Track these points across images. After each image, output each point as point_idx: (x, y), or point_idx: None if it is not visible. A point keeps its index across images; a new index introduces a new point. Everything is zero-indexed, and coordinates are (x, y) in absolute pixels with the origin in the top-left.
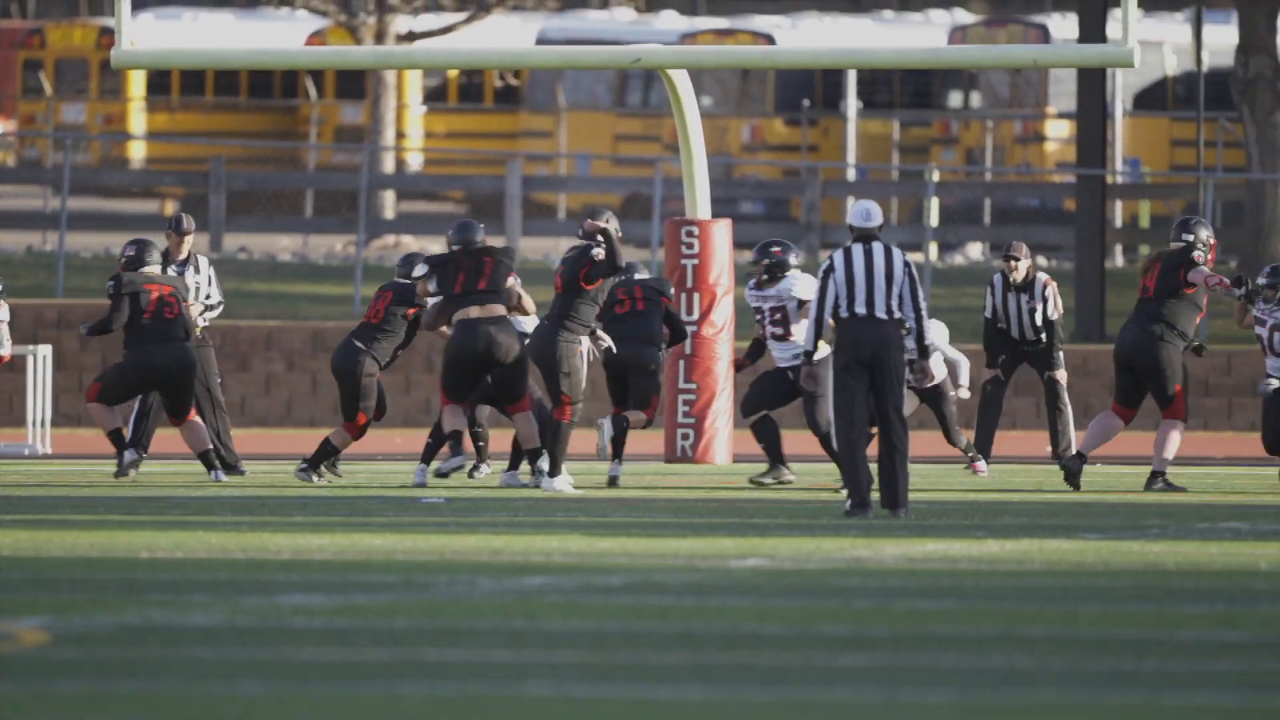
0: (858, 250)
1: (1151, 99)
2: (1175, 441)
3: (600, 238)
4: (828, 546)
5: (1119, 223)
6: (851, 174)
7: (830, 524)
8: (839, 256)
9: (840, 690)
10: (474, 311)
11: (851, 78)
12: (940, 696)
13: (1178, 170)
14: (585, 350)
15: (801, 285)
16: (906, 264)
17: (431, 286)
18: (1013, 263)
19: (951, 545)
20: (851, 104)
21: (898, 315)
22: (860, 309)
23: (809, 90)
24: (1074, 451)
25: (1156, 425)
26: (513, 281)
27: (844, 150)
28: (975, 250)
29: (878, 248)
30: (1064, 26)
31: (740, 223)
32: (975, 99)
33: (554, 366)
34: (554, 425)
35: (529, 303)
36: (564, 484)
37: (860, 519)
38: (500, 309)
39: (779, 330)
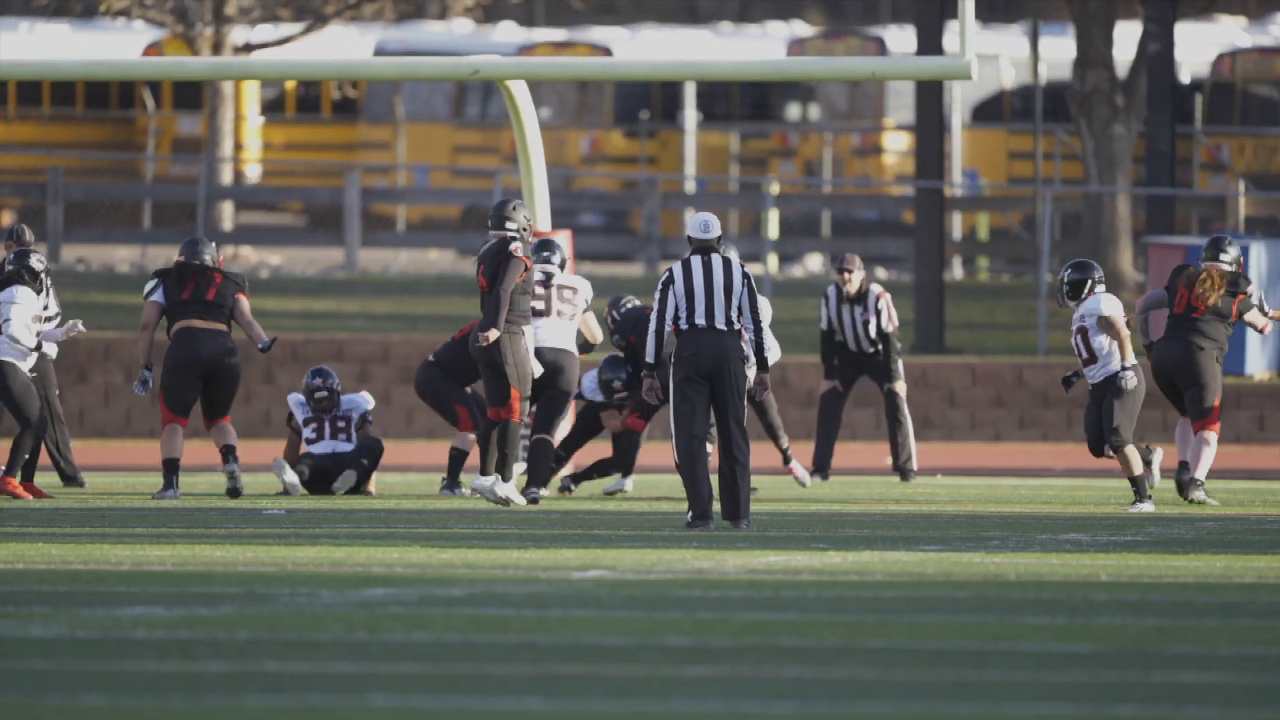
0: (696, 262)
1: (989, 111)
2: (1210, 453)
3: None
4: (670, 558)
5: (957, 235)
6: (691, 186)
7: (672, 535)
8: (678, 268)
9: (683, 701)
10: (196, 322)
11: (690, 90)
12: (783, 708)
13: (1016, 183)
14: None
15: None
16: (745, 275)
17: (157, 297)
18: (846, 274)
19: (793, 557)
20: (690, 116)
21: (737, 326)
22: (700, 320)
23: (647, 102)
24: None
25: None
26: (244, 302)
27: (683, 162)
28: (814, 262)
29: (716, 259)
30: (901, 39)
31: (580, 234)
32: (814, 111)
33: (497, 361)
34: (501, 425)
35: (247, 314)
36: (509, 490)
37: (701, 530)
38: (221, 325)
39: None
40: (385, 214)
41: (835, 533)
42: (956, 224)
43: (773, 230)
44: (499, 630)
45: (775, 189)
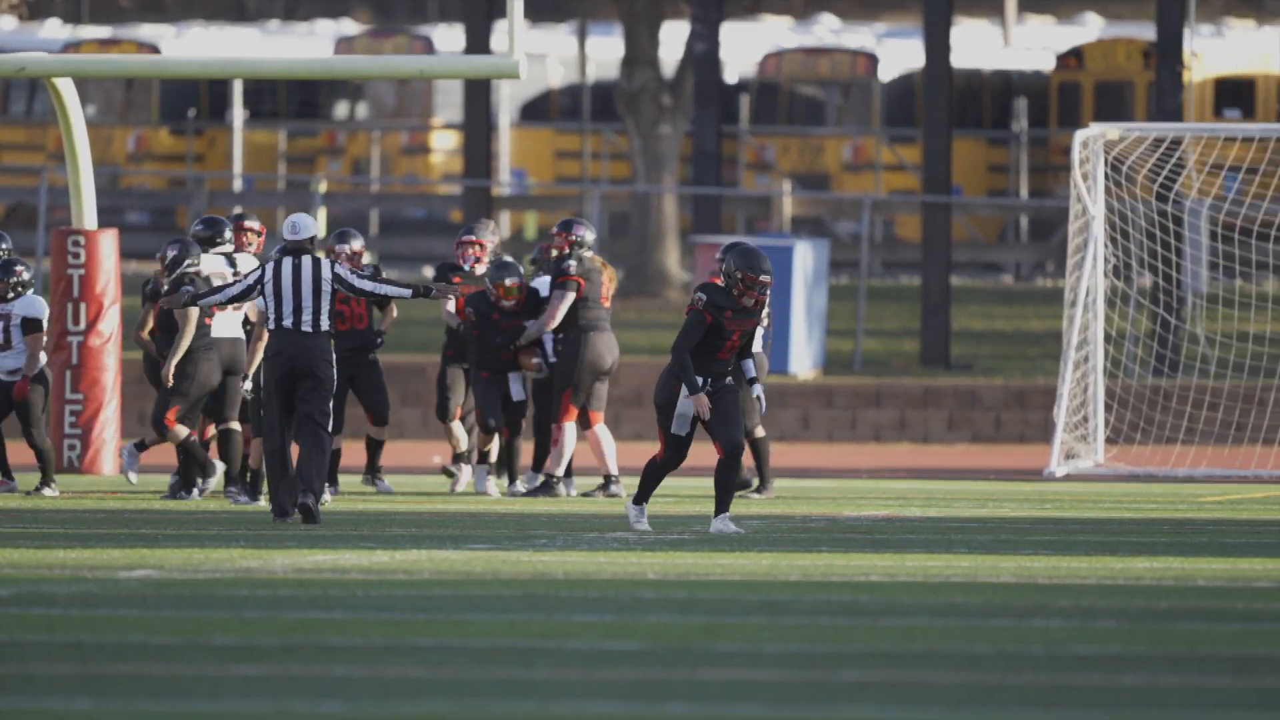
0: (287, 264)
1: (537, 110)
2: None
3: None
4: (217, 557)
5: (506, 234)
6: (238, 184)
7: (219, 534)
8: (269, 269)
9: (230, 701)
10: None
11: (238, 87)
12: (330, 707)
13: (563, 182)
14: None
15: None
16: (335, 277)
17: None
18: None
19: (341, 555)
20: (238, 114)
21: (325, 328)
22: (287, 322)
23: (195, 100)
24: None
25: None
26: None
27: (230, 160)
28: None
29: (306, 260)
30: (449, 37)
31: (127, 232)
32: (362, 110)
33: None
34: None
35: None
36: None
37: (281, 525)
38: None
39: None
40: None
41: (382, 531)
42: (505, 223)
43: (320, 228)
44: (45, 630)
45: (323, 187)
